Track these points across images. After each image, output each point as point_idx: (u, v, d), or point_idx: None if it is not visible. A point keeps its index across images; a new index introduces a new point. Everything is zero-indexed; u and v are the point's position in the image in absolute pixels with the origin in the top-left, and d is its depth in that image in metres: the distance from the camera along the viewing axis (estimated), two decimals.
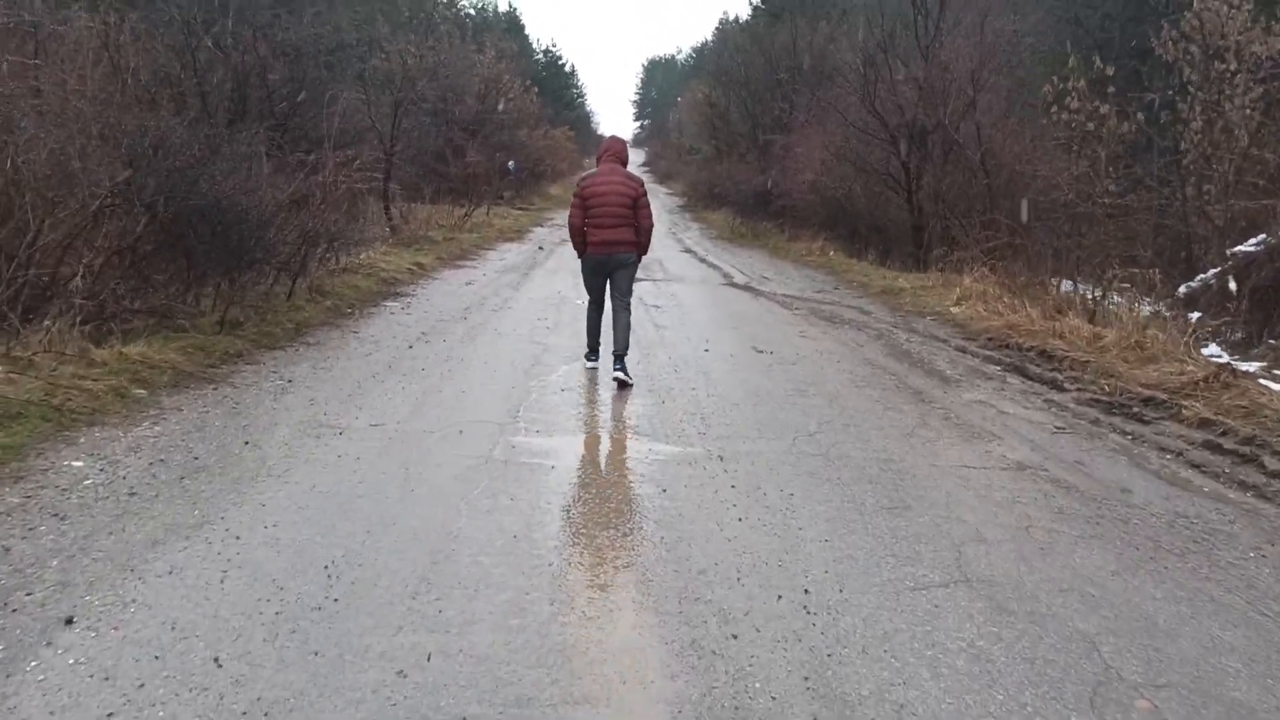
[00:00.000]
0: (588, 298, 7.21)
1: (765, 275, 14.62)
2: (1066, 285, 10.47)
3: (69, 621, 2.87)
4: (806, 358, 7.80)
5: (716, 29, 64.96)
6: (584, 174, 7.31)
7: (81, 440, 4.68)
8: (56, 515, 3.69)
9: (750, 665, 2.79)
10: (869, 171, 16.13)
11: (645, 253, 7.09)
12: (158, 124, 7.72)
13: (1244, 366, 7.20)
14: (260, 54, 13.94)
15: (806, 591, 3.28)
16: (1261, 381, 6.52)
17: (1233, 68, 11.61)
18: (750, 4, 40.08)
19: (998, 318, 9.30)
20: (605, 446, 5.23)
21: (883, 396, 6.49)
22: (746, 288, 13.02)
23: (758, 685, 2.68)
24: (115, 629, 2.85)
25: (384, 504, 3.99)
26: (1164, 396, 6.48)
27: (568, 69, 70.05)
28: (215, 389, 5.90)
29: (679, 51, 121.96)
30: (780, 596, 3.24)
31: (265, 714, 2.45)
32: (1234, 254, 9.49)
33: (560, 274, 13.26)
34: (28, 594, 3.02)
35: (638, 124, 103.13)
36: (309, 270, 9.24)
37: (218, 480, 4.20)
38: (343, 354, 7.20)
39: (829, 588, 3.32)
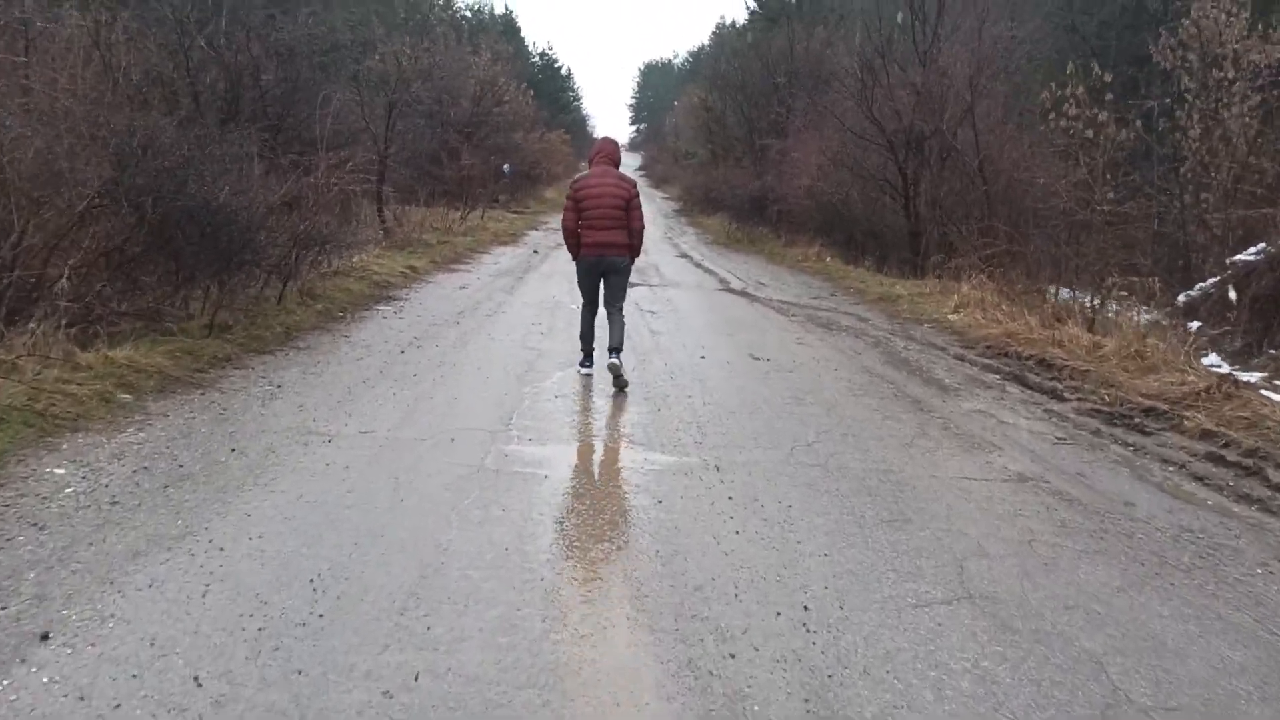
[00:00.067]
0: (582, 301, 7.14)
1: (761, 281, 14.55)
2: (1064, 293, 10.43)
3: (45, 637, 2.77)
4: (803, 365, 7.72)
5: (713, 33, 65.03)
6: (578, 176, 7.25)
7: (64, 446, 4.57)
8: (35, 525, 3.59)
9: (749, 686, 2.70)
10: (866, 177, 16.07)
11: (637, 254, 7.11)
12: (146, 123, 7.61)
13: (1245, 377, 7.12)
14: (254, 54, 13.83)
15: (806, 608, 3.19)
16: (1263, 393, 6.45)
17: (1231, 75, 11.60)
18: (747, 9, 40.09)
19: (996, 325, 9.23)
20: (599, 456, 5.14)
21: (881, 405, 6.41)
22: (743, 293, 12.95)
23: (756, 708, 2.60)
24: (92, 645, 2.75)
25: (372, 514, 3.90)
26: (1165, 407, 6.41)
27: (564, 72, 70.06)
28: (202, 394, 5.80)
29: (675, 56, 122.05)
30: (779, 613, 3.15)
31: None
32: (1233, 263, 9.45)
33: (555, 278, 13.17)
34: (2, 608, 2.92)
35: (634, 128, 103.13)
36: (300, 273, 9.14)
37: (202, 489, 4.10)
38: (333, 359, 7.10)
39: (829, 604, 3.23)
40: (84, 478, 4.14)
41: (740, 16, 63.43)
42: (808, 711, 2.59)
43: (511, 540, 3.69)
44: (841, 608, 3.21)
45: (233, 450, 4.67)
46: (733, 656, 2.85)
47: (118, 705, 2.47)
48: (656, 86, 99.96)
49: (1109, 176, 11.37)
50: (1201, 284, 9.93)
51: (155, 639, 2.80)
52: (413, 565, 3.41)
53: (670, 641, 2.93)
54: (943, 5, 15.61)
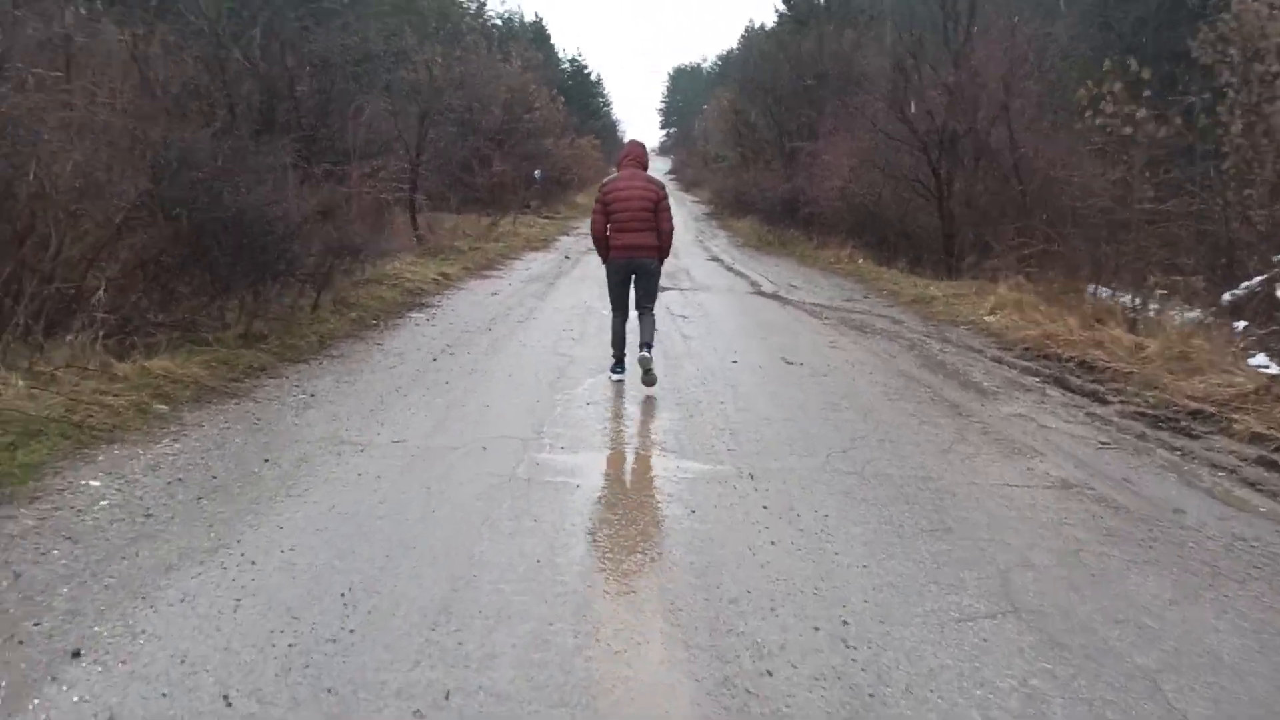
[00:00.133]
0: (612, 310, 7.12)
1: (793, 283, 14.42)
2: (1102, 293, 10.22)
3: (76, 654, 2.76)
4: (838, 369, 7.61)
5: (742, 37, 64.87)
6: (606, 180, 7.24)
7: (100, 458, 4.59)
8: (70, 538, 3.60)
9: (787, 706, 2.62)
10: (898, 178, 15.90)
11: (666, 256, 7.12)
12: (182, 135, 7.69)
13: None
14: (288, 66, 13.96)
15: (845, 623, 3.11)
16: None
17: (1274, 69, 11.30)
18: (776, 11, 39.93)
19: (1034, 327, 9.06)
20: (632, 464, 5.09)
21: (918, 410, 6.29)
22: (774, 296, 12.84)
23: None
24: (123, 663, 2.73)
25: (404, 526, 3.87)
26: (1212, 409, 6.24)
27: (593, 78, 70.20)
28: (237, 404, 5.82)
29: (705, 60, 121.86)
30: (817, 628, 3.07)
31: None
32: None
33: (586, 283, 13.13)
34: (35, 624, 2.92)
35: (663, 132, 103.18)
36: (334, 282, 9.18)
37: (236, 501, 4.09)
38: (366, 367, 7.11)
39: (869, 619, 3.15)
40: (119, 490, 4.15)
41: (769, 19, 63.25)
42: None
43: (543, 552, 3.64)
44: (882, 622, 3.12)
45: (266, 461, 4.67)
46: (770, 674, 2.78)
47: None
48: (686, 90, 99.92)
49: (1148, 174, 11.13)
50: (1246, 282, 9.65)
51: (186, 656, 2.77)
52: (444, 578, 3.37)
53: (706, 658, 2.86)
54: (974, 4, 15.41)
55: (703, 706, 2.62)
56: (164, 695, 2.57)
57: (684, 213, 32.45)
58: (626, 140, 7.81)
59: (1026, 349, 8.53)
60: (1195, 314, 9.12)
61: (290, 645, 2.86)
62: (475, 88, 24.07)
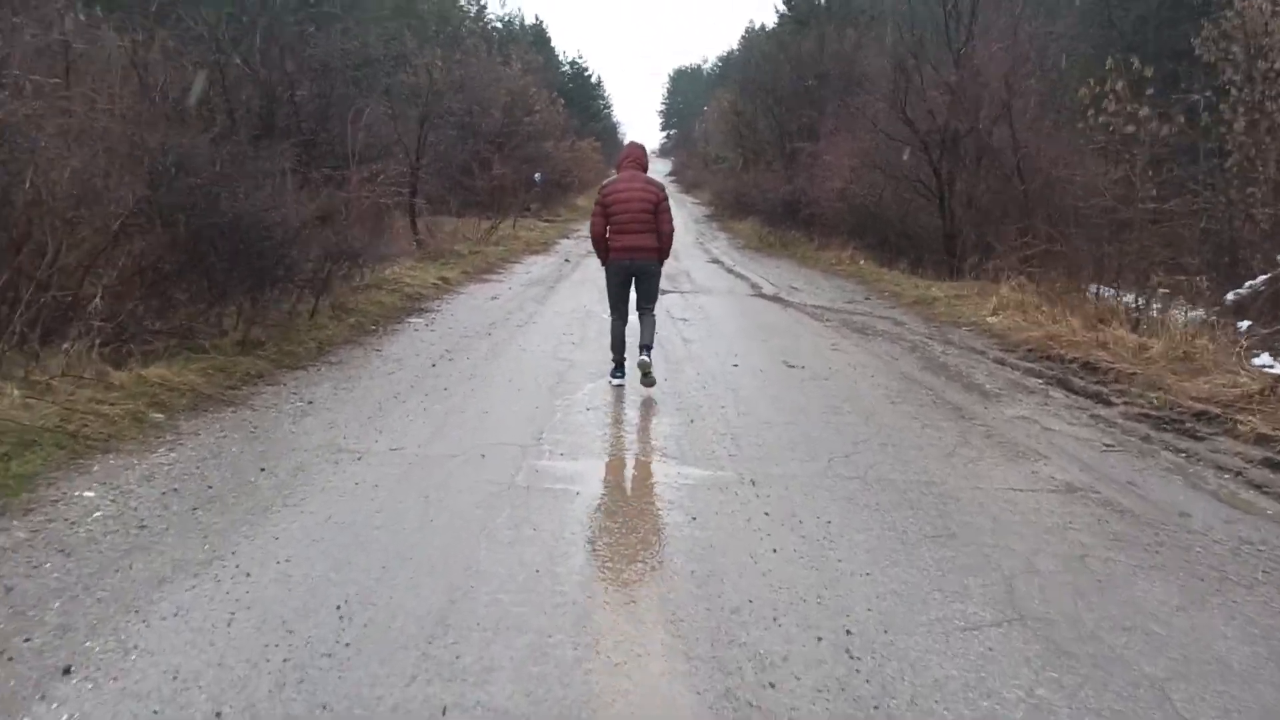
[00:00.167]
0: (611, 313, 7.10)
1: (794, 285, 14.38)
2: (1105, 293, 10.16)
3: (67, 671, 2.71)
4: (839, 372, 7.57)
5: (743, 38, 64.81)
6: (605, 181, 7.22)
7: (95, 468, 4.55)
8: (63, 551, 3.55)
9: (790, 719, 2.58)
10: (899, 178, 15.86)
11: (666, 257, 7.11)
12: (180, 141, 7.65)
13: None
14: (288, 70, 13.94)
15: (849, 632, 3.06)
16: None
17: (1278, 66, 11.24)
18: (777, 12, 39.88)
19: (1037, 328, 9.01)
20: (632, 470, 5.03)
21: (920, 413, 6.24)
22: (775, 299, 12.79)
23: None
24: (114, 679, 2.69)
25: (401, 536, 3.82)
26: (1217, 410, 6.19)
27: (594, 80, 70.19)
28: (234, 412, 5.78)
29: (705, 61, 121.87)
30: (820, 638, 3.02)
31: None
32: None
33: (586, 287, 13.09)
34: (26, 640, 2.87)
35: (664, 133, 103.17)
36: (332, 287, 9.14)
37: (231, 511, 4.05)
38: (365, 373, 7.07)
39: (872, 628, 3.10)
40: (113, 501, 4.11)
41: (770, 20, 63.19)
42: None
43: (542, 561, 3.59)
44: (886, 631, 3.07)
45: (262, 470, 4.63)
46: (773, 686, 2.73)
47: None
48: (686, 92, 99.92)
49: (1151, 173, 11.08)
50: (1250, 282, 9.61)
51: (178, 671, 2.73)
52: (441, 589, 3.32)
53: (707, 670, 2.82)
54: (976, 3, 15.36)
55: None
56: (155, 713, 2.53)
57: (684, 214, 32.41)
58: (627, 142, 7.79)
59: (1029, 350, 8.48)
60: (1198, 314, 9.07)
61: (285, 660, 2.81)
62: (475, 91, 24.03)
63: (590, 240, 7.28)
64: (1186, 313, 8.83)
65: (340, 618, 3.09)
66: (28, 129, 6.60)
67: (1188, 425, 6.02)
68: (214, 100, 12.95)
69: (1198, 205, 10.96)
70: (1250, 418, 5.86)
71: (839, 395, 6.70)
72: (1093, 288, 10.17)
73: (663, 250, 7.00)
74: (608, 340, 7.10)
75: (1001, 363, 8.13)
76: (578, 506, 4.28)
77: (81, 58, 10.87)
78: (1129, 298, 9.47)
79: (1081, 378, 7.39)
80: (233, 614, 3.10)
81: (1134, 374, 7.17)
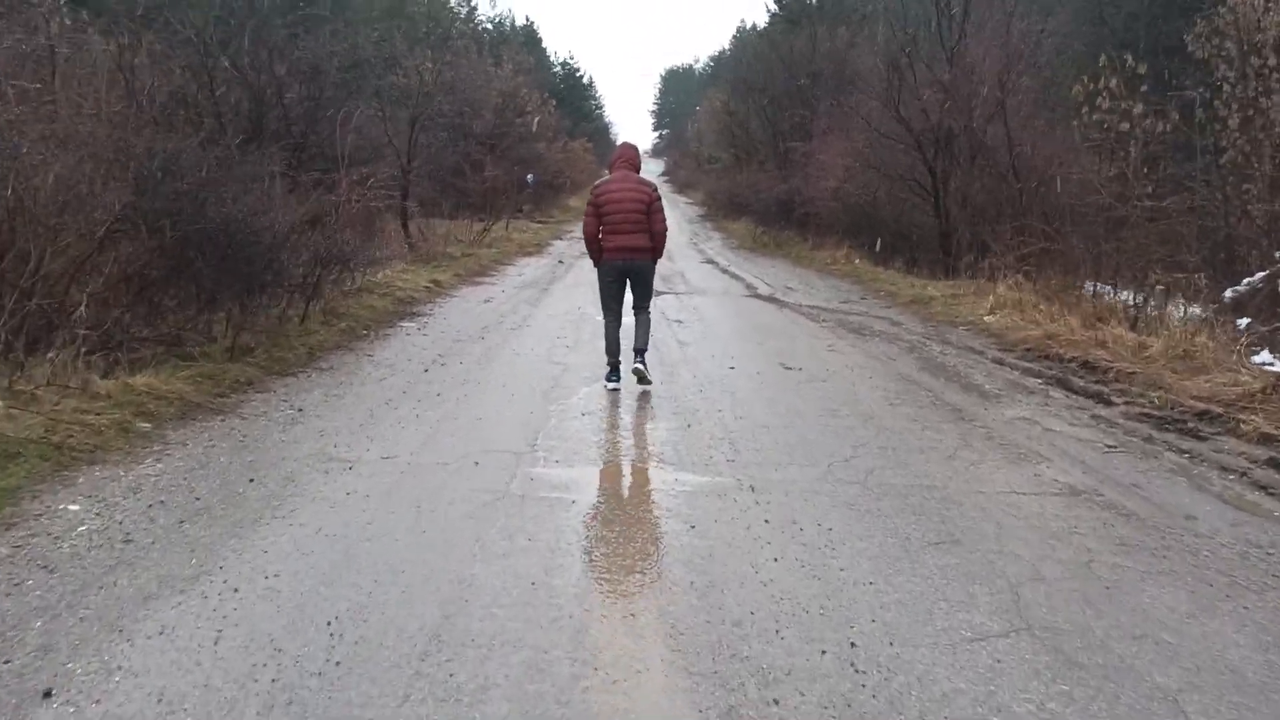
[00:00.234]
0: (604, 315, 7.05)
1: (789, 285, 14.32)
2: (1101, 289, 10.10)
3: (47, 694, 2.62)
4: (837, 373, 7.49)
5: (734, 37, 64.85)
6: (598, 182, 7.18)
7: (80, 481, 4.45)
8: (45, 567, 3.46)
9: None
10: (893, 177, 15.80)
11: (659, 257, 7.11)
12: (165, 146, 7.55)
13: None
14: (276, 73, 13.82)
15: (853, 645, 2.98)
16: None
17: (1271, 63, 11.20)
18: (768, 10, 39.81)
19: (1035, 327, 8.96)
20: (629, 477, 4.95)
21: (920, 415, 6.17)
22: (771, 299, 12.73)
23: None
24: (97, 702, 2.60)
25: (393, 548, 3.73)
26: (1219, 410, 6.13)
27: (585, 81, 70.13)
28: (223, 420, 5.68)
29: (697, 61, 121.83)
30: (824, 652, 2.94)
31: None
32: None
33: (580, 288, 13.01)
34: (5, 661, 2.78)
35: (656, 134, 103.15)
36: (323, 292, 9.04)
37: (219, 523, 3.95)
38: (356, 379, 6.97)
39: (877, 640, 3.02)
40: (98, 514, 4.02)
41: (761, 19, 63.06)
42: None
43: (538, 573, 3.50)
44: (891, 644, 2.99)
45: (251, 480, 4.53)
46: (777, 703, 2.65)
47: None
48: (678, 92, 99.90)
49: (1146, 170, 11.03)
50: (1249, 278, 9.55)
51: (163, 694, 2.64)
52: (434, 604, 3.23)
53: (709, 686, 2.73)
54: (969, 1, 15.31)
55: None
56: None
57: (678, 215, 32.34)
58: (619, 143, 7.75)
59: (1028, 350, 8.43)
60: (1195, 311, 9.02)
61: (273, 680, 2.72)
62: (466, 92, 23.94)
63: (583, 241, 7.24)
64: (1187, 309, 8.78)
65: (330, 635, 3.00)
66: (9, 134, 6.49)
67: (1190, 425, 5.96)
68: (202, 103, 12.85)
69: (1195, 203, 10.92)
70: (1253, 417, 5.80)
71: (837, 397, 6.63)
72: (1090, 286, 10.13)
73: (656, 250, 7.01)
74: (602, 344, 7.03)
75: (1000, 362, 8.07)
76: (573, 515, 4.20)
77: (68, 62, 10.76)
78: (1126, 295, 9.43)
79: (1081, 377, 7.34)
80: (220, 632, 3.01)
81: (1134, 373, 7.11)
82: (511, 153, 27.64)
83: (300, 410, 5.98)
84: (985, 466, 5.04)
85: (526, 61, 34.55)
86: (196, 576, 3.42)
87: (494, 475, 4.69)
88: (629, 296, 7.06)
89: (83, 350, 6.01)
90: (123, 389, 5.79)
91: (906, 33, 16.04)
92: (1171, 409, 6.30)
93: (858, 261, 16.51)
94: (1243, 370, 6.78)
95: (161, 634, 2.99)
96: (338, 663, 2.83)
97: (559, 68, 63.15)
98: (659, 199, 6.99)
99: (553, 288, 13.68)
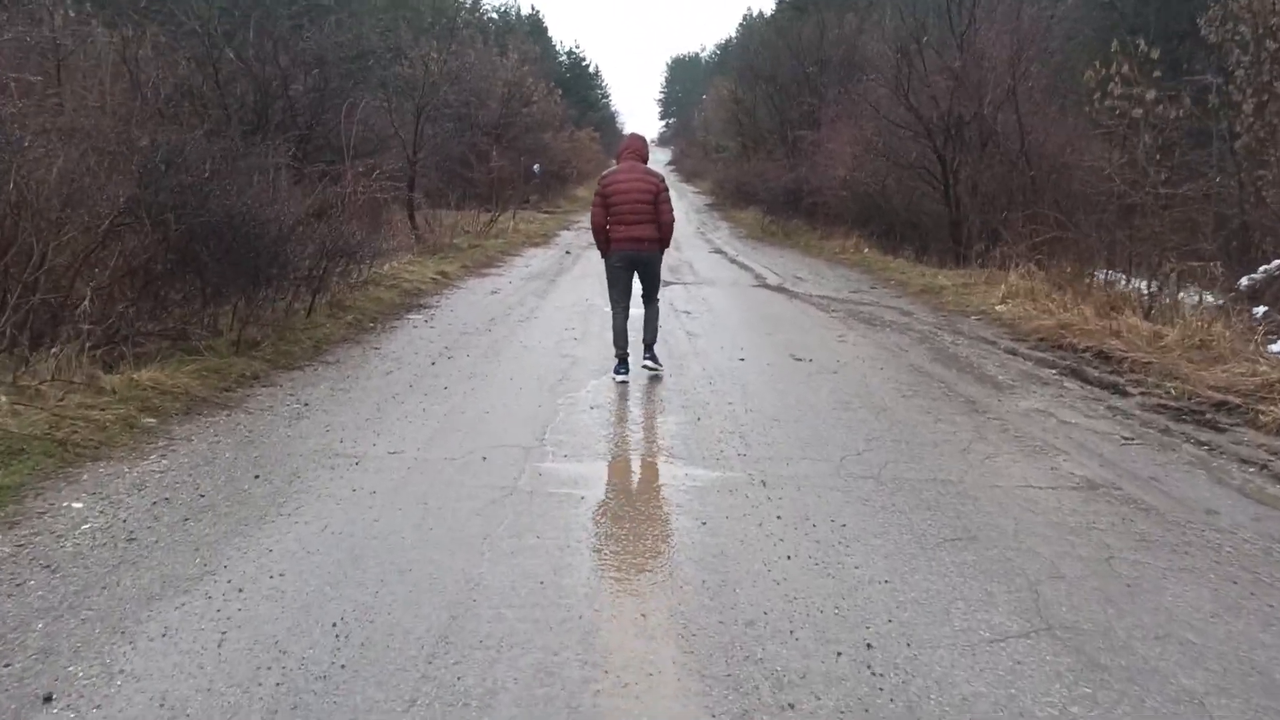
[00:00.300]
0: (612, 307, 7.03)
1: (799, 275, 14.21)
2: (1113, 277, 9.98)
3: (48, 699, 2.57)
4: (848, 365, 7.41)
5: (741, 25, 64.48)
6: (605, 172, 7.14)
7: (84, 477, 4.41)
8: (48, 567, 3.41)
9: None
10: (903, 166, 15.66)
11: (666, 247, 7.12)
12: (169, 138, 7.48)
13: None
14: (282, 64, 13.75)
15: (869, 646, 2.91)
16: None
17: None
18: None
19: (1048, 316, 8.85)
20: (638, 472, 4.88)
21: (932, 407, 6.09)
22: (780, 289, 12.63)
23: None
24: (97, 707, 2.55)
25: (400, 547, 3.67)
26: (1237, 400, 6.04)
27: (591, 70, 69.90)
28: (228, 415, 5.63)
29: (703, 49, 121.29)
30: (840, 653, 2.87)
31: None
32: None
33: (588, 279, 12.94)
34: (6, 665, 2.73)
35: (663, 123, 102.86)
36: (329, 284, 8.98)
37: (223, 521, 3.90)
38: (362, 373, 6.91)
39: (894, 641, 2.95)
40: (102, 512, 3.97)
41: (768, 6, 62.74)
42: None
43: (547, 573, 3.44)
44: (909, 645, 2.92)
45: (256, 477, 4.48)
46: (792, 707, 2.58)
47: None
48: (684, 80, 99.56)
49: (1159, 157, 10.89)
50: (1265, 266, 9.43)
51: (165, 698, 2.59)
52: (442, 605, 3.17)
53: (722, 690, 2.67)
54: None
55: None
56: None
57: (685, 204, 32.24)
58: (627, 133, 7.71)
59: (1041, 340, 8.33)
60: (1208, 299, 8.90)
61: (277, 685, 2.67)
62: (472, 82, 23.84)
63: (590, 232, 7.20)
64: (1202, 297, 8.66)
65: (336, 637, 2.94)
66: (11, 128, 6.44)
67: (1208, 416, 5.87)
68: (207, 96, 12.79)
69: (1209, 189, 10.78)
70: (1272, 408, 5.71)
71: (848, 389, 6.55)
72: (1103, 274, 10.01)
73: (663, 240, 7.01)
74: (610, 335, 6.97)
75: (1013, 353, 7.97)
76: (582, 512, 4.13)
77: (72, 55, 10.71)
78: (1140, 284, 9.31)
79: (1096, 368, 7.24)
80: (224, 634, 2.95)
81: (1149, 363, 7.02)
82: (518, 143, 27.56)
83: (306, 405, 5.93)
84: (1000, 460, 4.96)
85: (532, 51, 34.41)
86: (200, 576, 3.37)
87: (502, 470, 4.63)
88: (637, 287, 7.04)
89: (87, 345, 5.96)
90: (128, 384, 5.74)
91: (915, 19, 15.87)
92: (1189, 400, 6.20)
93: (867, 251, 16.40)
94: (1261, 360, 6.68)
95: (164, 636, 2.94)
96: (343, 666, 2.77)
97: (565, 57, 62.98)
98: (666, 189, 6.99)
99: (560, 279, 13.60)
